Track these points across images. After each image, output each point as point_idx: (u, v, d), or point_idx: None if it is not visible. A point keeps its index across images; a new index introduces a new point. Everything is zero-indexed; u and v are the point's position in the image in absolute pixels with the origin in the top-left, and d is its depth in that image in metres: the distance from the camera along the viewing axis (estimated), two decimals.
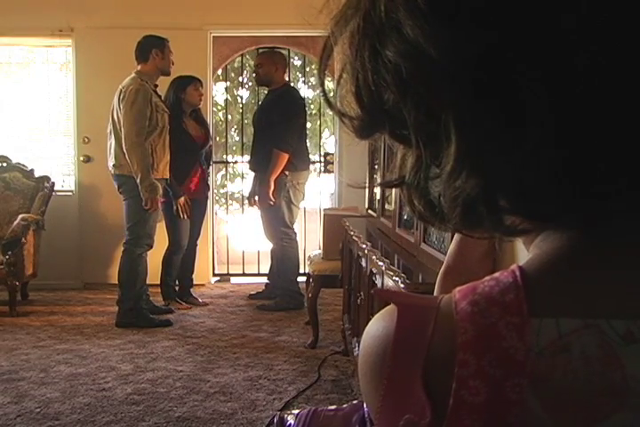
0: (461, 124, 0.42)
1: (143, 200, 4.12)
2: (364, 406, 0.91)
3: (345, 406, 0.99)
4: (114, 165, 4.24)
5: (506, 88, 0.41)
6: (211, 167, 5.27)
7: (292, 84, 4.98)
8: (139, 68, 4.28)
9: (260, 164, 4.66)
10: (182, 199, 4.57)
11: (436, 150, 0.44)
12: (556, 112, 0.40)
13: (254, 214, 5.31)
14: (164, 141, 4.28)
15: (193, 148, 4.65)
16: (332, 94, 0.50)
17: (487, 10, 0.40)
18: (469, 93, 0.41)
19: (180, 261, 4.77)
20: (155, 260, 4.55)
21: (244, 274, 6.03)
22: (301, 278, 4.70)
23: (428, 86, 0.42)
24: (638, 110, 0.40)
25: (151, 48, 4.28)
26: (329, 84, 0.52)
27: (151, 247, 4.31)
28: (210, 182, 5.13)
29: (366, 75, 0.45)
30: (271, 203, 4.58)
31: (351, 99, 0.47)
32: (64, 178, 5.72)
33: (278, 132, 4.50)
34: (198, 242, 4.90)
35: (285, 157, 4.54)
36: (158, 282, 4.69)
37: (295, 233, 4.78)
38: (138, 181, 4.10)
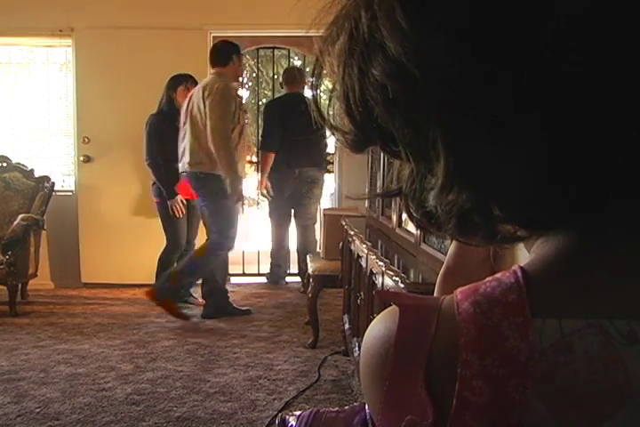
0: (449, 140, 0.43)
1: (232, 194, 4.11)
2: (366, 407, 0.91)
3: (346, 407, 0.99)
4: (190, 163, 4.21)
5: (490, 103, 0.41)
6: None
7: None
8: (214, 71, 4.32)
9: None
10: (176, 199, 4.56)
11: (429, 164, 0.45)
12: (543, 123, 0.41)
13: (254, 214, 5.37)
14: (243, 141, 4.30)
15: None
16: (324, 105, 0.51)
17: (468, 30, 0.41)
18: (454, 110, 0.42)
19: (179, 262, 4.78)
20: (153, 259, 4.58)
21: (244, 274, 6.03)
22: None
23: (414, 105, 0.43)
24: (624, 119, 0.40)
25: (232, 53, 4.33)
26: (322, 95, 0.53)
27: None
28: None
29: (355, 93, 0.46)
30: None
31: (343, 115, 0.48)
32: (64, 178, 5.72)
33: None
34: (196, 242, 4.89)
35: (268, 156, 5.25)
36: (148, 282, 4.70)
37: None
38: (226, 174, 4.08)
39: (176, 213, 4.58)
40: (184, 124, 4.26)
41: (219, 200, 4.14)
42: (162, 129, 4.54)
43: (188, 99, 4.27)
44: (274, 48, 6.15)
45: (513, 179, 0.42)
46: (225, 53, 4.31)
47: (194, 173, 4.21)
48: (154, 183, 4.63)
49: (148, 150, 4.59)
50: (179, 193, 4.58)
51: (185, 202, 4.62)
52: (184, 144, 4.26)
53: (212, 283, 4.43)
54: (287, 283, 5.63)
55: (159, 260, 4.70)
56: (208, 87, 4.15)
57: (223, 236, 4.21)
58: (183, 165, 4.27)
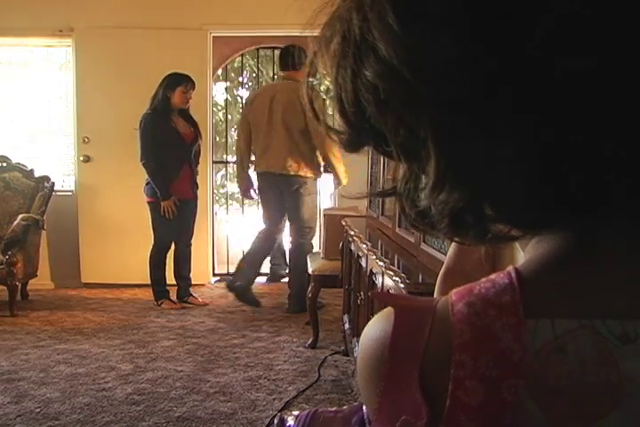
0: (440, 140, 0.43)
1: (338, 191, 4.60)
2: (364, 407, 0.91)
3: (345, 407, 0.99)
4: (279, 167, 4.46)
5: (479, 104, 0.41)
6: (209, 167, 5.27)
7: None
8: (285, 74, 4.51)
9: None
10: (170, 201, 4.54)
11: (421, 164, 0.45)
12: (535, 124, 0.41)
13: (254, 214, 5.37)
14: None
15: (182, 146, 4.60)
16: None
17: (460, 31, 0.41)
18: (445, 111, 0.42)
19: (175, 262, 4.78)
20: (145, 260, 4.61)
21: None
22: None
23: (405, 105, 0.43)
24: (617, 120, 0.41)
25: (303, 58, 4.44)
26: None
27: None
28: (208, 182, 5.12)
29: (348, 94, 0.47)
30: None
31: (337, 115, 0.49)
32: (64, 178, 5.72)
33: None
34: (193, 241, 4.85)
35: None
36: (148, 282, 4.74)
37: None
38: (341, 176, 4.52)
39: (167, 214, 4.56)
40: (266, 124, 4.47)
41: (304, 197, 4.55)
42: (157, 128, 4.50)
43: (267, 103, 4.45)
44: (274, 48, 6.15)
45: (504, 179, 0.42)
46: (297, 57, 4.47)
47: (282, 176, 4.50)
48: (147, 183, 4.62)
49: (142, 150, 4.55)
50: (173, 194, 4.56)
51: (177, 203, 4.61)
52: (263, 146, 4.52)
53: (255, 268, 4.74)
54: None
55: (149, 260, 4.71)
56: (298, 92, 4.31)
57: (310, 228, 4.62)
58: (265, 166, 4.55)
